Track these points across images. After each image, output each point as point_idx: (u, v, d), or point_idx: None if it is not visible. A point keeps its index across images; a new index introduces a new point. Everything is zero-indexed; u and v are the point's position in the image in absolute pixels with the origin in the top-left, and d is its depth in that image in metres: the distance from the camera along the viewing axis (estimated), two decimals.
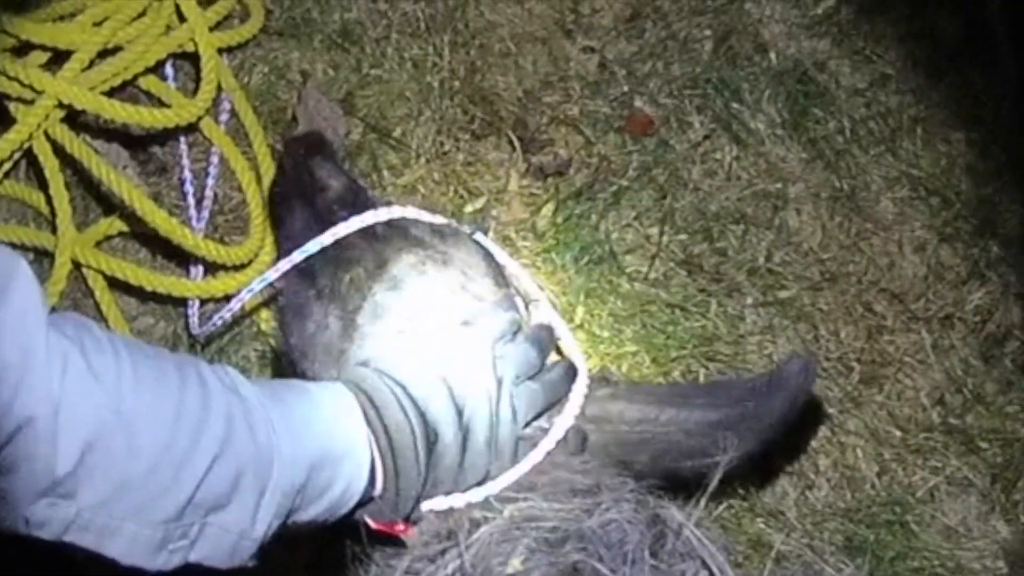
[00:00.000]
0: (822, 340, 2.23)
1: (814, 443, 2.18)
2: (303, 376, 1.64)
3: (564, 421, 1.58)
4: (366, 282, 1.65)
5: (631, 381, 1.90)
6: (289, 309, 1.69)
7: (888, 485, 2.17)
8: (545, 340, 1.65)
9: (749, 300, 2.23)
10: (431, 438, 1.45)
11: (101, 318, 2.11)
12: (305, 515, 1.38)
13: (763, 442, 1.64)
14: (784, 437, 1.66)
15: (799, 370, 1.65)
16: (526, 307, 1.72)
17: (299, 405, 1.39)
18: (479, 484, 1.50)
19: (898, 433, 2.20)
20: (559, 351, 1.71)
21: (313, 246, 1.68)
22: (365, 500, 1.43)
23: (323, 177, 1.79)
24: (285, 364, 1.71)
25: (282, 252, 1.78)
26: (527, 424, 1.56)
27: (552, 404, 1.59)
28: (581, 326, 2.15)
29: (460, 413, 1.47)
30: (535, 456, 1.53)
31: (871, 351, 2.24)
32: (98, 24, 2.17)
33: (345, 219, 1.70)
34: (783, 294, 2.25)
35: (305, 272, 1.69)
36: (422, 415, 1.44)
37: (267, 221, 2.15)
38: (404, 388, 1.45)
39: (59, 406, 1.15)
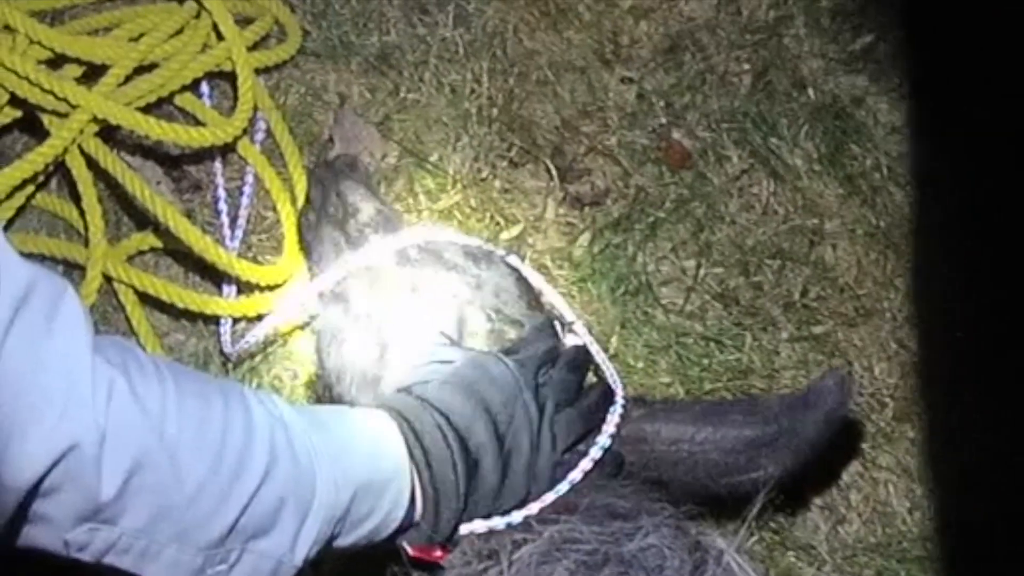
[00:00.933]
0: (856, 375, 2.22)
1: (846, 478, 2.17)
2: (338, 400, 1.64)
3: (601, 443, 1.57)
4: (402, 307, 1.64)
5: (666, 400, 1.91)
6: (325, 333, 1.69)
7: (920, 521, 2.16)
8: (583, 364, 1.64)
9: (784, 334, 2.23)
10: (471, 465, 1.44)
11: (132, 333, 2.09)
12: (346, 541, 1.37)
13: (799, 460, 1.63)
14: (816, 471, 1.65)
15: (834, 386, 1.65)
16: (562, 331, 1.72)
17: (341, 432, 1.39)
18: (518, 507, 1.49)
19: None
20: (595, 373, 1.70)
21: (347, 267, 1.68)
22: (405, 526, 1.42)
23: (355, 201, 1.79)
24: (319, 388, 1.71)
25: (313, 276, 1.78)
26: (565, 451, 1.55)
27: (589, 431, 1.58)
28: (615, 356, 2.14)
29: (501, 442, 1.46)
30: (574, 477, 1.52)
31: (904, 387, 2.23)
32: (134, 39, 2.17)
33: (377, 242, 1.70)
34: (818, 329, 2.24)
35: (340, 297, 1.68)
36: (463, 443, 1.43)
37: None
38: (446, 416, 1.44)
39: (105, 433, 1.14)
